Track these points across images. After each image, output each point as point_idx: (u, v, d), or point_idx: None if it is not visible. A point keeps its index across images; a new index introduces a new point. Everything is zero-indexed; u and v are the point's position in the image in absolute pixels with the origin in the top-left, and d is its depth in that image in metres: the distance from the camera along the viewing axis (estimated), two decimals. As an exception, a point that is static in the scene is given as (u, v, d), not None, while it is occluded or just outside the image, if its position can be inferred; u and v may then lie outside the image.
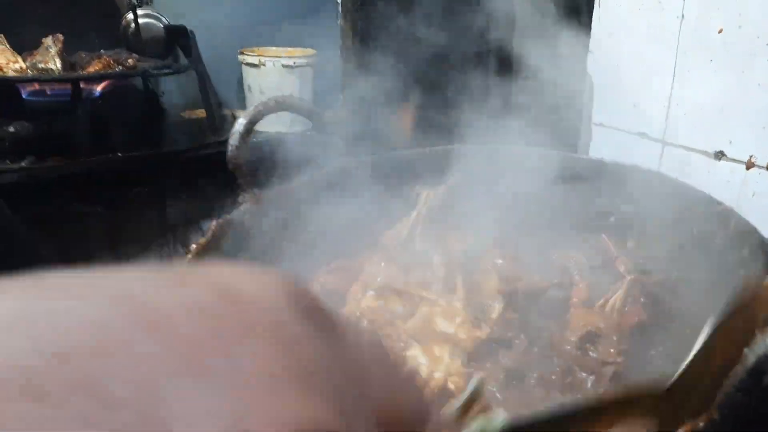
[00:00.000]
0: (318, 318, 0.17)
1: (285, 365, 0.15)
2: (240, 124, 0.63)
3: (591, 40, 1.14)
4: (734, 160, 0.91)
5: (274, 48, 1.98)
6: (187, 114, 2.05)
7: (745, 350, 0.33)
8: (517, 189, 0.67)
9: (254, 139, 1.87)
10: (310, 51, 1.94)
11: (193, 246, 0.56)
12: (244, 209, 0.63)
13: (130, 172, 1.78)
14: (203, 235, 0.59)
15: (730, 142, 0.92)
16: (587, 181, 0.64)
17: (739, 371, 0.32)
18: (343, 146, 0.71)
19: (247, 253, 0.62)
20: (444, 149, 0.71)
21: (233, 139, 0.63)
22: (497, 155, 0.70)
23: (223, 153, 1.86)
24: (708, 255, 0.55)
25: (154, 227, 2.01)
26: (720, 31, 0.91)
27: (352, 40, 2.04)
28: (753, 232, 0.50)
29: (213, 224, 0.59)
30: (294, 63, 1.87)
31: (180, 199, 1.97)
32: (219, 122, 1.86)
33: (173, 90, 2.05)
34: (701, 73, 0.95)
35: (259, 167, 0.87)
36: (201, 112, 2.04)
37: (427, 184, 0.68)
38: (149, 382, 0.14)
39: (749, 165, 0.89)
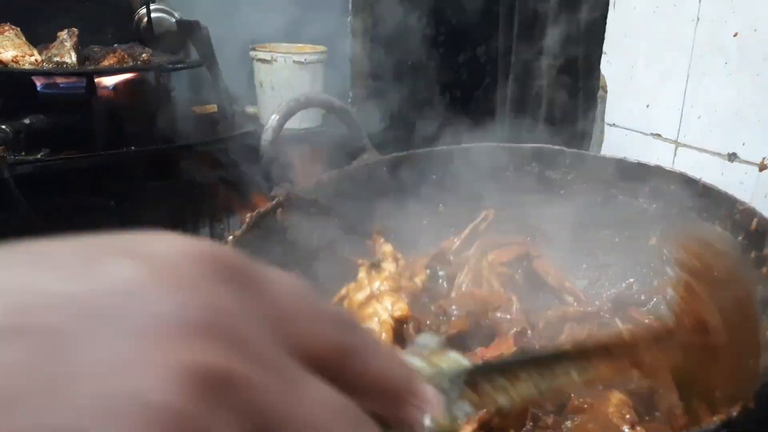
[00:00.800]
0: (234, 275, 0.19)
1: (184, 315, 0.17)
2: (273, 119, 0.65)
3: (605, 41, 1.16)
4: (747, 162, 0.93)
5: (285, 44, 1.99)
6: (198, 109, 2.07)
7: (778, 339, 0.35)
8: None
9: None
10: (320, 47, 1.96)
11: (230, 237, 0.58)
12: (277, 202, 0.64)
13: (143, 166, 1.80)
14: (233, 228, 0.60)
15: (744, 144, 0.94)
16: (622, 181, 0.66)
17: (773, 359, 0.34)
18: (368, 142, 0.72)
19: (279, 246, 0.64)
20: (466, 147, 0.73)
21: (266, 135, 0.64)
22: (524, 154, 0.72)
23: (236, 147, 1.88)
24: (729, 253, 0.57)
25: (165, 222, 2.02)
26: (735, 35, 0.93)
27: (362, 37, 2.06)
28: (775, 230, 0.52)
29: (248, 217, 0.61)
30: (305, 59, 1.88)
31: (192, 194, 1.99)
32: (231, 118, 1.87)
33: (184, 85, 2.06)
34: (715, 75, 0.97)
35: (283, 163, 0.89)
36: (212, 108, 2.05)
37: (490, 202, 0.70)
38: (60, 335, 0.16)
39: (762, 167, 0.91)
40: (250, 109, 2.09)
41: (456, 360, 0.27)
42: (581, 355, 0.32)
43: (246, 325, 0.18)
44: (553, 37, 1.35)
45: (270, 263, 0.56)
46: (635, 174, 0.67)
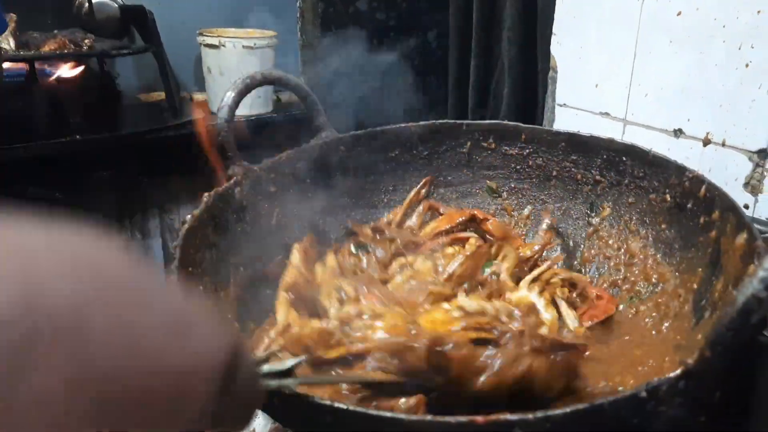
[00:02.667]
0: None
1: None
2: (228, 96, 0.64)
3: (555, 22, 1.18)
4: (692, 138, 0.97)
5: (233, 29, 1.96)
6: (143, 96, 2.01)
7: (734, 292, 0.36)
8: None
9: (215, 122, 1.85)
10: (270, 32, 1.93)
11: (188, 217, 0.57)
12: (235, 182, 0.63)
13: (88, 155, 1.74)
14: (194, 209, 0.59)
15: (689, 120, 0.97)
16: (581, 154, 0.68)
17: (729, 312, 0.36)
18: (326, 120, 0.72)
19: (239, 225, 0.63)
20: (427, 125, 0.73)
21: (222, 113, 0.63)
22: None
23: (185, 135, 1.85)
24: (681, 219, 0.59)
25: (114, 213, 1.97)
26: (679, 14, 0.96)
27: (312, 22, 2.04)
28: (723, 195, 0.54)
29: (206, 196, 0.60)
30: (255, 44, 1.85)
31: (141, 183, 1.94)
32: (179, 105, 1.83)
33: (129, 72, 2.00)
34: (661, 54, 1.00)
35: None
36: (158, 95, 2.00)
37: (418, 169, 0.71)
38: None
39: (706, 141, 0.95)
40: (198, 96, 2.05)
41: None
42: None
43: None
44: (503, 18, 1.36)
45: (227, 241, 0.55)
46: (588, 147, 0.68)
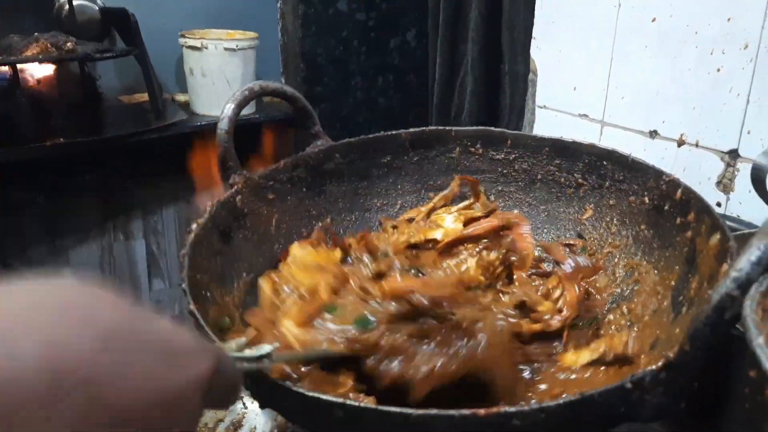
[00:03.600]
0: None
1: None
2: (228, 108, 0.66)
3: (534, 27, 1.21)
4: (667, 139, 1.01)
5: (215, 30, 1.97)
6: (125, 98, 2.02)
7: (710, 291, 0.40)
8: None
9: (198, 123, 1.86)
10: (252, 34, 1.94)
11: (194, 226, 0.59)
12: (236, 190, 0.66)
13: (72, 159, 1.75)
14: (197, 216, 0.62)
15: (663, 122, 1.01)
16: (564, 158, 0.72)
17: (705, 309, 0.40)
18: (320, 129, 0.75)
19: (240, 232, 0.66)
20: (425, 130, 0.77)
21: (222, 124, 0.66)
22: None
23: (169, 137, 1.85)
24: (659, 220, 0.63)
25: (97, 216, 1.97)
26: (653, 20, 1.00)
27: (293, 22, 2.06)
28: (698, 198, 0.58)
29: (209, 205, 0.62)
30: (237, 46, 1.87)
31: (123, 186, 1.95)
32: (161, 107, 1.84)
33: (110, 74, 2.01)
34: (637, 58, 1.04)
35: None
36: (140, 97, 2.01)
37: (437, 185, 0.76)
38: None
39: (680, 142, 0.99)
40: (180, 97, 2.06)
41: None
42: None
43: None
44: (481, 22, 1.40)
45: (231, 248, 0.58)
46: (571, 151, 0.72)
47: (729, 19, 0.89)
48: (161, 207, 2.09)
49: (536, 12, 1.20)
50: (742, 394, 0.42)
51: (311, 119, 0.74)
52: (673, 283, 0.59)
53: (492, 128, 0.74)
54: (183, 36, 1.87)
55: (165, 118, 1.81)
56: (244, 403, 0.77)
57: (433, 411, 0.40)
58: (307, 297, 0.56)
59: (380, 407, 0.41)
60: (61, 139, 1.60)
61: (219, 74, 1.90)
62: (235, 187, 0.66)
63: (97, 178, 1.89)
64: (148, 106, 1.85)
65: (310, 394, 0.42)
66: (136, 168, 1.91)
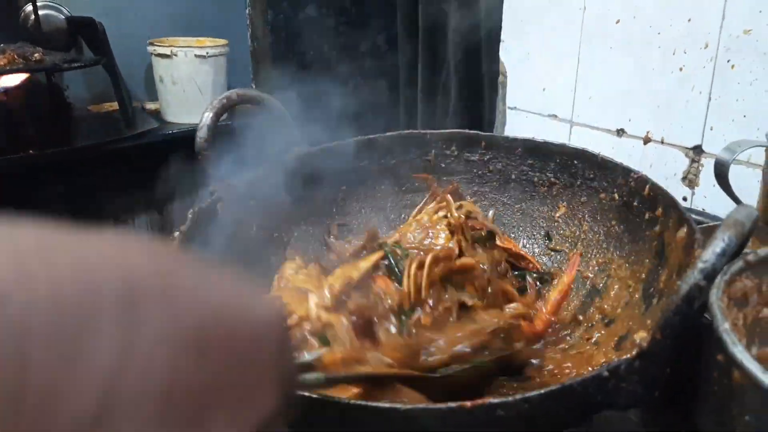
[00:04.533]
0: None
1: None
2: (207, 117, 0.67)
3: (503, 30, 1.24)
4: (634, 137, 1.04)
5: (183, 38, 1.97)
6: (94, 108, 2.00)
7: (679, 283, 0.42)
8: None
9: (170, 131, 1.85)
10: (222, 41, 1.95)
11: (176, 233, 0.60)
12: (216, 197, 0.67)
13: (42, 170, 1.73)
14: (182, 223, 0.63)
15: (630, 121, 1.05)
16: (534, 158, 0.74)
17: (675, 299, 0.42)
18: (299, 137, 0.76)
19: (222, 239, 0.66)
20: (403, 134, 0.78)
21: (202, 132, 0.67)
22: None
23: (140, 146, 1.83)
24: (628, 216, 0.66)
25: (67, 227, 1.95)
26: (618, 22, 1.03)
27: (262, 29, 2.06)
28: (665, 194, 0.61)
29: (191, 212, 0.63)
30: (207, 53, 1.87)
31: (95, 197, 1.93)
32: (131, 116, 1.83)
33: (78, 84, 1.99)
34: (603, 59, 1.07)
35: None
36: (110, 106, 1.99)
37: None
38: None
39: (646, 140, 1.02)
40: (150, 105, 2.05)
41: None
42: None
43: None
44: (448, 21, 1.42)
45: (213, 255, 0.59)
46: (542, 152, 0.74)
47: (689, 20, 0.92)
48: (133, 217, 2.07)
49: (504, 15, 1.23)
50: (711, 378, 0.44)
51: (289, 124, 0.75)
52: (643, 275, 0.61)
53: (466, 130, 0.76)
54: (152, 44, 1.86)
55: (136, 127, 1.80)
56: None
57: (422, 405, 0.42)
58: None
59: (370, 403, 0.42)
60: (31, 151, 1.58)
61: (190, 82, 1.89)
62: (215, 194, 0.67)
63: (67, 190, 1.87)
64: (118, 115, 1.84)
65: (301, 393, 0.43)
66: (107, 178, 1.89)
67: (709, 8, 0.89)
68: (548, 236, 0.74)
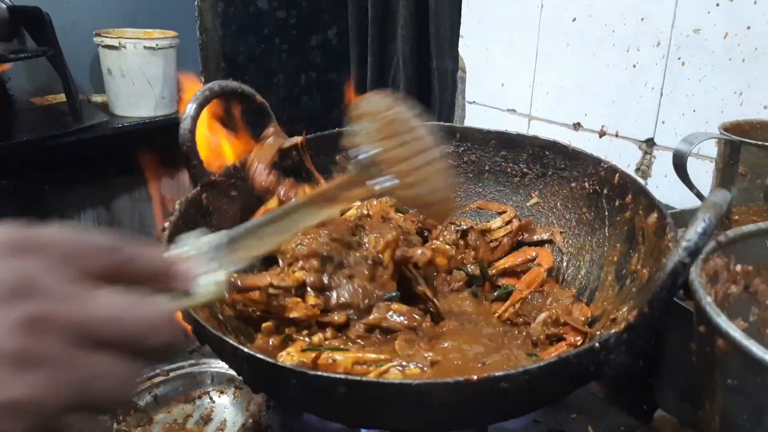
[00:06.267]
0: (25, 246, 0.31)
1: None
2: (190, 108, 0.67)
3: (462, 26, 1.28)
4: (590, 130, 1.10)
5: (131, 30, 1.93)
6: (37, 100, 1.93)
7: (664, 260, 0.46)
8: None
9: (120, 125, 1.80)
10: (171, 33, 1.91)
11: (166, 224, 0.61)
12: (201, 188, 0.67)
13: (-14, 165, 1.66)
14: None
15: (586, 115, 1.10)
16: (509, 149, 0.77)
17: (661, 275, 0.46)
18: (279, 128, 0.77)
19: (206, 228, 0.67)
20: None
21: (185, 123, 0.67)
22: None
23: (88, 140, 1.78)
24: (598, 203, 0.70)
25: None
26: (574, 20, 1.08)
27: (212, 21, 2.03)
28: (634, 181, 0.65)
29: (178, 203, 0.64)
30: (157, 45, 1.83)
31: (41, 191, 1.87)
32: (79, 108, 1.77)
33: (19, 75, 1.92)
34: (560, 56, 1.12)
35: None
36: (54, 98, 1.93)
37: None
38: None
39: (601, 133, 1.08)
40: (96, 98, 2.00)
41: (215, 237, 0.43)
42: (308, 203, 0.49)
43: (40, 277, 0.30)
44: (410, 21, 1.44)
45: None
46: (515, 143, 0.78)
47: (642, 19, 0.98)
48: (80, 212, 2.02)
49: (463, 11, 1.26)
50: (686, 350, 0.48)
51: (268, 117, 0.76)
52: (615, 258, 0.65)
53: (442, 123, 0.79)
54: (99, 35, 1.82)
55: (83, 121, 1.75)
56: (211, 397, 0.78)
57: (431, 379, 0.44)
58: None
59: (381, 379, 0.44)
60: (-24, 145, 1.52)
61: (139, 74, 1.86)
62: (200, 185, 0.68)
63: (11, 185, 1.80)
64: (64, 108, 1.79)
65: (313, 373, 0.45)
66: (53, 172, 1.84)
67: (661, 8, 0.95)
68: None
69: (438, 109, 1.43)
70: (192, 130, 0.68)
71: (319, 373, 0.45)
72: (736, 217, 0.70)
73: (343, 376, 0.45)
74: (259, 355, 0.47)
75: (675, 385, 0.66)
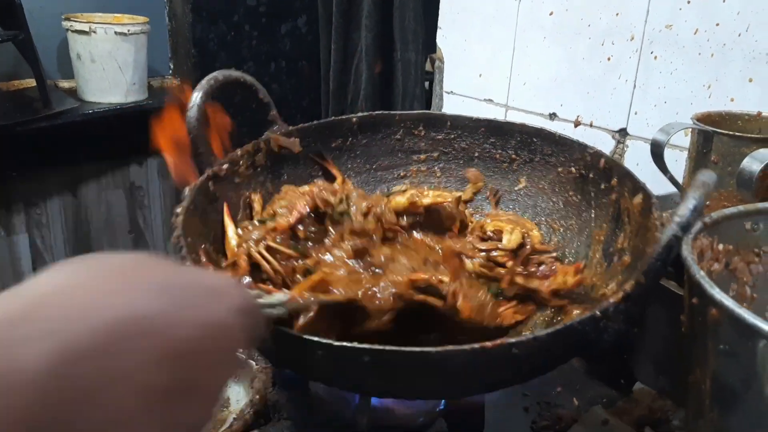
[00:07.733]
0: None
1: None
2: (196, 96, 0.69)
3: (440, 17, 1.31)
4: (565, 120, 1.15)
5: (100, 14, 1.90)
6: (3, 85, 1.89)
7: (658, 234, 0.51)
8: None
9: (90, 111, 1.77)
10: (142, 18, 1.90)
11: (178, 209, 0.63)
12: (208, 176, 0.69)
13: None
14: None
15: (561, 105, 1.15)
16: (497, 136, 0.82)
17: (657, 247, 0.50)
18: (278, 116, 0.79)
19: (215, 216, 0.70)
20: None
21: (192, 111, 0.69)
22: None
23: (57, 126, 1.75)
24: (585, 186, 0.75)
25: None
26: (551, 14, 1.13)
27: (182, 7, 2.02)
28: (620, 165, 0.70)
29: (187, 191, 0.66)
30: (128, 30, 1.82)
31: (6, 177, 1.84)
32: (48, 94, 1.75)
33: (-18, 60, 1.88)
34: (536, 48, 1.17)
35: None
36: (20, 84, 1.90)
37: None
38: None
39: (576, 123, 1.13)
40: (64, 84, 1.97)
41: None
42: None
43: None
44: (374, 11, 1.47)
45: (208, 229, 0.62)
46: (504, 130, 0.82)
47: (617, 14, 1.03)
48: (45, 199, 1.99)
49: (442, 3, 1.30)
50: (662, 326, 0.53)
51: (268, 105, 0.78)
52: (602, 238, 0.70)
53: (433, 111, 0.83)
54: (68, 19, 1.79)
55: (52, 106, 1.73)
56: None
57: (450, 347, 0.48)
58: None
59: (403, 348, 0.48)
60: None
61: (110, 60, 1.84)
62: (207, 172, 0.70)
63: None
64: (32, 93, 1.76)
65: (338, 344, 0.48)
66: (19, 159, 1.81)
67: (634, 4, 1.01)
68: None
69: (401, 99, 1.47)
70: (199, 119, 0.70)
71: (345, 343, 0.49)
72: (708, 202, 0.76)
73: (367, 346, 0.48)
74: (287, 330, 0.50)
75: (652, 359, 0.71)
